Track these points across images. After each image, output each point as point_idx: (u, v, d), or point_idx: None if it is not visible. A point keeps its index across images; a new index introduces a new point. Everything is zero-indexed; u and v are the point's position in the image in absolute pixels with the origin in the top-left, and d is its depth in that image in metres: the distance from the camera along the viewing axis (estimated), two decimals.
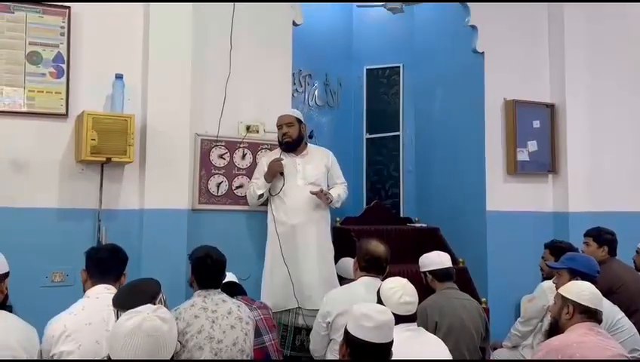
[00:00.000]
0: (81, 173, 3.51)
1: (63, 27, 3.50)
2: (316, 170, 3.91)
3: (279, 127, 3.88)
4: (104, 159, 3.36)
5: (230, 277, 3.25)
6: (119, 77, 3.50)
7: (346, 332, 2.06)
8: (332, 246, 3.94)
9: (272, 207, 3.81)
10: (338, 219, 4.75)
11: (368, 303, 2.23)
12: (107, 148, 3.34)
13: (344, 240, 4.19)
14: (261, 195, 3.81)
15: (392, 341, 2.05)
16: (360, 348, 2.00)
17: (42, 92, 3.45)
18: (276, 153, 3.92)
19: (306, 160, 3.90)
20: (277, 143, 3.98)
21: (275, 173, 3.78)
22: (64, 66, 3.49)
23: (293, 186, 3.81)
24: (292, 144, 3.87)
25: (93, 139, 3.29)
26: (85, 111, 3.34)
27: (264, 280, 3.79)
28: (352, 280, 3.50)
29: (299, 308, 3.69)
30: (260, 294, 3.70)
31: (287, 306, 3.71)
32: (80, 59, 3.55)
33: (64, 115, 3.48)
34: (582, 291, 2.58)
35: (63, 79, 3.49)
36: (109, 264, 2.55)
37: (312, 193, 3.76)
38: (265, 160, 3.88)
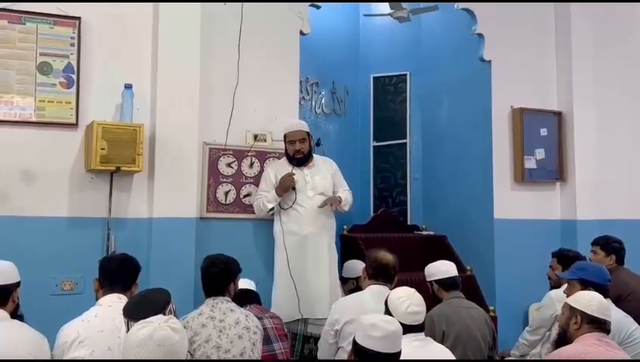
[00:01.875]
0: (91, 182, 3.54)
1: (73, 38, 3.55)
2: (324, 180, 3.94)
3: (291, 142, 3.86)
4: (113, 168, 3.39)
5: (247, 284, 3.26)
6: (128, 87, 3.53)
7: (354, 342, 2.07)
8: (337, 255, 3.97)
9: (281, 220, 3.80)
10: (345, 226, 4.76)
11: (377, 313, 2.24)
12: (116, 157, 3.36)
13: (351, 248, 4.21)
14: (271, 209, 3.80)
15: (400, 351, 2.05)
16: (368, 357, 2.01)
17: (52, 102, 3.49)
18: (283, 163, 3.92)
19: (314, 171, 3.92)
20: (284, 152, 4.01)
21: (288, 188, 3.79)
22: (74, 76, 3.53)
23: (304, 198, 3.82)
24: (304, 159, 3.89)
25: (103, 149, 3.32)
26: (95, 121, 3.38)
27: (274, 290, 3.80)
28: (357, 278, 3.60)
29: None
30: (268, 302, 3.70)
31: (294, 317, 3.72)
32: (90, 69, 3.59)
33: (74, 125, 3.51)
34: (590, 301, 2.57)
35: (73, 89, 3.53)
36: (119, 274, 2.57)
37: (323, 204, 3.79)
38: (271, 171, 3.89)
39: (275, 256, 3.85)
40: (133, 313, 2.05)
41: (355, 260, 3.97)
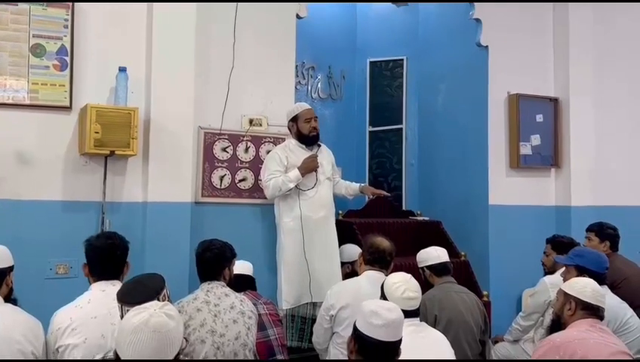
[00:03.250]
0: (85, 165, 3.51)
1: (66, 20, 3.49)
2: (329, 165, 4.01)
3: (308, 120, 3.88)
4: (108, 152, 3.36)
5: (245, 268, 3.25)
6: (123, 70, 3.49)
7: (355, 328, 2.05)
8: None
9: (299, 202, 3.80)
10: (340, 211, 4.75)
11: (378, 300, 2.22)
12: (111, 141, 3.34)
13: (347, 233, 4.20)
14: (290, 189, 3.79)
15: (401, 339, 2.03)
16: (368, 345, 1.99)
17: (46, 85, 3.44)
18: (290, 146, 3.91)
19: (322, 155, 3.96)
20: (280, 136, 4.02)
21: (313, 169, 3.82)
22: (68, 59, 3.49)
23: (310, 180, 3.85)
24: (316, 138, 3.92)
25: (97, 132, 3.29)
26: (89, 104, 3.35)
27: (282, 277, 3.80)
28: (352, 262, 3.68)
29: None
30: (264, 286, 3.71)
31: (304, 300, 3.76)
32: (84, 51, 3.54)
33: (68, 108, 3.48)
34: (584, 288, 2.59)
35: (67, 72, 3.48)
36: (106, 264, 2.50)
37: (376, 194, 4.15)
38: (281, 152, 3.86)
39: (281, 240, 3.85)
40: (128, 298, 2.05)
41: (351, 244, 3.99)
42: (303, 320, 3.77)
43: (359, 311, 2.07)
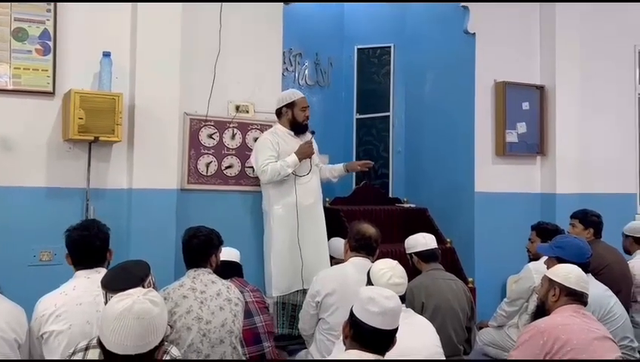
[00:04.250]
0: (69, 151, 3.48)
1: (49, 3, 3.43)
2: (315, 152, 4.00)
3: (304, 108, 3.90)
4: (92, 138, 3.33)
5: (232, 255, 3.25)
6: (107, 55, 3.45)
7: (351, 314, 2.03)
8: None
9: (296, 189, 3.81)
10: (327, 199, 4.76)
11: (378, 287, 2.21)
12: (95, 127, 3.30)
13: (333, 221, 4.20)
14: (288, 174, 3.78)
15: (397, 328, 2.01)
16: (363, 331, 1.97)
17: (28, 69, 3.39)
18: (279, 132, 3.89)
19: (310, 139, 3.97)
20: (267, 123, 4.02)
21: (309, 155, 3.84)
22: (51, 43, 3.43)
23: (305, 167, 3.87)
24: (307, 126, 3.94)
25: (81, 118, 3.25)
26: (73, 90, 3.30)
27: (272, 262, 3.80)
28: (342, 260, 3.55)
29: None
30: (251, 273, 3.70)
31: (295, 288, 3.77)
32: (67, 36, 3.49)
33: (51, 93, 3.43)
34: (568, 274, 2.61)
35: (50, 56, 3.43)
36: (86, 253, 2.48)
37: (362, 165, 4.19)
38: (272, 138, 3.84)
39: (270, 227, 3.84)
40: (112, 285, 2.03)
41: (339, 239, 3.92)
42: (293, 308, 3.78)
43: (357, 297, 2.05)
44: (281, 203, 3.81)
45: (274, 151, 3.79)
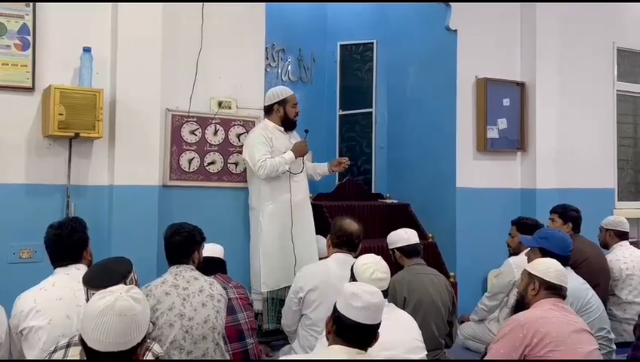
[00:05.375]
0: (49, 148, 3.44)
1: None
2: None
3: (295, 105, 3.94)
4: (72, 134, 3.30)
5: (216, 251, 3.24)
6: (87, 50, 3.41)
7: (335, 309, 2.04)
8: None
9: (290, 186, 3.84)
10: (310, 195, 4.76)
11: (362, 283, 2.22)
12: (75, 123, 3.27)
13: (316, 216, 4.21)
14: (285, 171, 3.81)
15: (380, 323, 2.03)
16: (346, 326, 1.98)
17: (7, 65, 3.35)
18: (269, 128, 3.90)
19: (306, 138, 4.01)
20: (250, 119, 4.02)
21: (304, 153, 3.91)
22: (30, 38, 3.39)
23: (299, 164, 3.91)
24: (296, 122, 3.99)
25: (61, 114, 3.22)
26: (52, 85, 3.27)
27: (261, 260, 3.80)
28: (326, 258, 3.57)
29: None
30: (235, 270, 3.70)
31: (283, 284, 3.77)
32: (47, 31, 3.45)
33: (30, 89, 3.39)
34: (548, 268, 2.65)
35: (29, 52, 3.39)
36: (60, 252, 2.47)
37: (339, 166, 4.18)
38: (265, 133, 3.84)
39: (258, 224, 3.84)
40: (93, 282, 2.02)
41: (322, 238, 3.93)
42: (281, 303, 3.76)
43: (341, 292, 2.06)
44: (274, 199, 3.81)
45: (269, 146, 3.80)
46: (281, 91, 3.97)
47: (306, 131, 4.00)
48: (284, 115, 3.91)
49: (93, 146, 3.54)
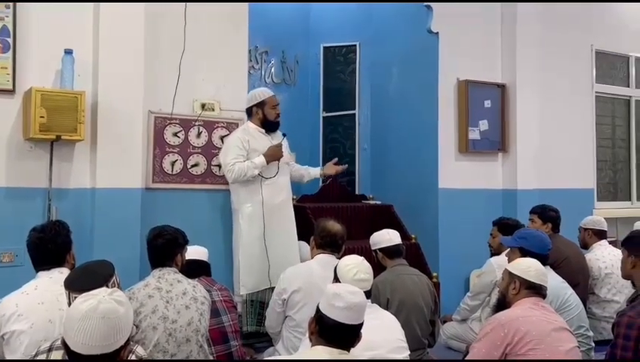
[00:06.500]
0: (30, 151, 3.42)
1: None
2: (286, 150, 4.02)
3: (274, 106, 3.90)
4: (54, 137, 3.28)
5: (200, 253, 3.23)
6: (69, 52, 3.39)
7: (317, 310, 2.05)
8: None
9: (262, 189, 3.81)
10: (294, 196, 4.77)
11: (344, 284, 2.23)
12: (57, 125, 3.26)
13: (300, 218, 4.22)
14: (254, 175, 3.78)
15: (362, 323, 2.04)
16: (329, 327, 1.99)
17: None
18: (249, 131, 3.89)
19: (280, 142, 3.96)
20: (233, 121, 4.02)
21: (278, 158, 3.84)
22: (10, 40, 3.37)
23: (272, 169, 3.86)
24: (278, 124, 3.94)
25: (42, 117, 3.20)
26: (33, 88, 3.25)
27: (240, 262, 3.80)
28: None
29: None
30: (219, 273, 3.69)
31: (263, 286, 3.77)
32: (27, 33, 3.42)
33: (11, 91, 3.37)
34: (528, 268, 2.69)
35: (9, 54, 3.36)
36: (42, 256, 2.45)
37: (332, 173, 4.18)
38: (242, 136, 3.83)
39: (239, 225, 3.83)
40: (75, 285, 2.02)
41: (305, 243, 3.94)
42: (261, 305, 3.78)
43: (324, 293, 2.07)
44: (250, 201, 3.81)
45: (243, 150, 3.78)
46: (260, 93, 3.96)
47: (284, 135, 3.98)
48: (263, 117, 3.90)
49: (75, 149, 3.52)
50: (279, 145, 3.86)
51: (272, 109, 3.91)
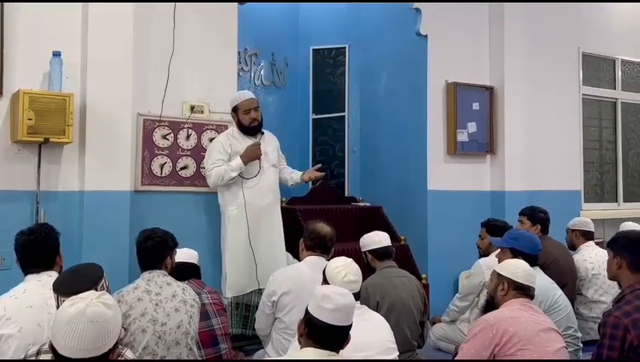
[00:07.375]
0: (18, 153, 3.40)
1: None
2: (274, 152, 3.99)
3: (247, 112, 3.82)
4: (42, 139, 3.26)
5: (190, 256, 3.23)
6: (57, 54, 3.38)
7: (306, 312, 2.05)
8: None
9: (243, 191, 3.77)
10: (284, 199, 4.77)
11: (332, 286, 2.24)
12: (45, 128, 3.24)
13: (290, 220, 4.22)
14: (233, 178, 3.74)
15: (351, 325, 2.05)
16: (318, 328, 1.99)
17: None
18: (233, 133, 3.87)
19: (266, 143, 3.92)
20: (222, 123, 4.01)
21: (256, 157, 3.79)
22: None
23: (252, 169, 3.82)
24: (258, 127, 3.88)
25: (30, 119, 3.18)
26: (21, 90, 3.23)
27: (227, 264, 3.79)
28: None
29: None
30: (209, 276, 3.69)
31: (250, 288, 3.76)
32: (15, 34, 3.41)
33: None
34: (516, 269, 2.71)
35: None
36: (31, 258, 2.43)
37: (313, 179, 4.08)
38: (224, 140, 3.81)
39: (225, 228, 3.82)
40: (64, 288, 2.01)
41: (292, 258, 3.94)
42: (247, 308, 3.78)
43: (313, 295, 2.08)
44: (233, 204, 3.80)
45: (224, 154, 3.76)
46: (235, 97, 3.89)
47: (262, 133, 3.92)
48: (238, 122, 3.87)
49: (63, 151, 3.50)
50: (256, 145, 3.80)
51: (244, 115, 3.82)
